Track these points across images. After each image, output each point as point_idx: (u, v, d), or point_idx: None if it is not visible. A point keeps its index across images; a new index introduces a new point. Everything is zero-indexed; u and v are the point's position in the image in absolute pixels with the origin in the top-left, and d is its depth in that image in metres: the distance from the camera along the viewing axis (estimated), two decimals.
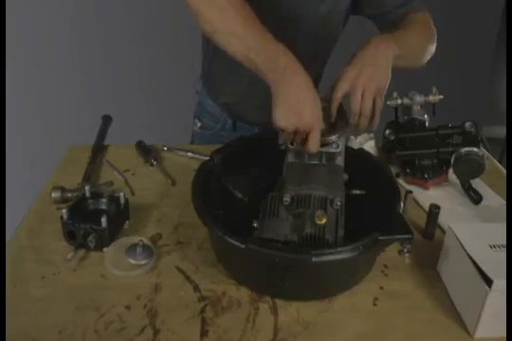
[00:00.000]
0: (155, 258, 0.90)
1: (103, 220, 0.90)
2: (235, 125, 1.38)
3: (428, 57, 1.16)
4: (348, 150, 0.96)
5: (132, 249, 0.90)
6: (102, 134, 1.30)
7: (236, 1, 0.87)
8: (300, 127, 0.85)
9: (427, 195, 1.12)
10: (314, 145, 0.87)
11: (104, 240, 0.91)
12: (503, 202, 1.10)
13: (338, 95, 0.92)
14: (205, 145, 1.31)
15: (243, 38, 0.86)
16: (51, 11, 2.12)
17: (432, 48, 1.16)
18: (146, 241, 0.92)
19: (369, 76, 0.92)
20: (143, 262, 0.89)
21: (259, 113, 1.20)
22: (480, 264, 0.76)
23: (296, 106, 0.85)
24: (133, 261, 0.89)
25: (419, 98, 1.19)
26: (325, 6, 1.15)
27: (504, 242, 0.81)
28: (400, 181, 1.16)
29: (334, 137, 0.90)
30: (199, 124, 1.44)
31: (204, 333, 0.77)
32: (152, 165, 1.20)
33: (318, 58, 1.28)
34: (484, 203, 1.09)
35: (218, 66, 1.27)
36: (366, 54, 0.95)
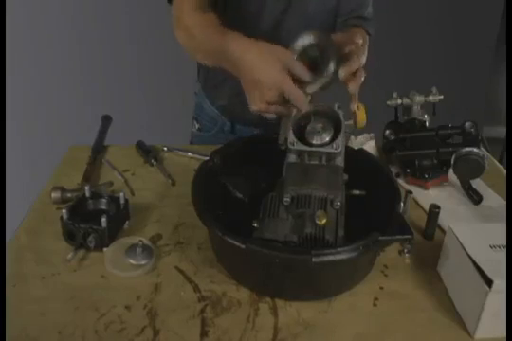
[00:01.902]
0: (155, 258, 0.90)
1: (103, 220, 0.90)
2: (233, 127, 1.38)
3: None
4: (348, 150, 0.96)
5: (132, 249, 0.90)
6: (102, 134, 1.30)
7: (201, 20, 0.95)
8: (268, 98, 0.83)
9: (427, 195, 1.12)
10: (299, 102, 0.83)
11: (104, 240, 0.91)
12: (503, 202, 1.10)
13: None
14: (205, 145, 1.31)
15: (203, 50, 0.95)
16: (51, 11, 2.12)
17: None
18: (146, 241, 0.92)
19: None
20: (143, 262, 0.89)
21: (257, 115, 1.21)
22: (480, 264, 0.76)
23: (253, 82, 0.84)
24: (133, 262, 0.89)
25: (419, 98, 1.19)
26: (313, 5, 1.18)
27: (504, 243, 0.81)
28: (400, 181, 1.16)
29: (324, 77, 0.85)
30: (197, 126, 1.44)
31: (204, 334, 0.77)
32: (152, 165, 1.20)
33: None
34: (484, 203, 1.09)
35: (215, 70, 1.27)
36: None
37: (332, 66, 0.85)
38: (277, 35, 1.22)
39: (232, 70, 0.89)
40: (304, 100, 0.85)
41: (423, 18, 2.46)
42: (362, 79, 0.91)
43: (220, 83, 1.30)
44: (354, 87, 0.89)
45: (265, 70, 0.83)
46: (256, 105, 0.86)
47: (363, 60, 0.94)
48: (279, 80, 0.82)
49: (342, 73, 0.87)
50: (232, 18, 1.18)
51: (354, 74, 0.89)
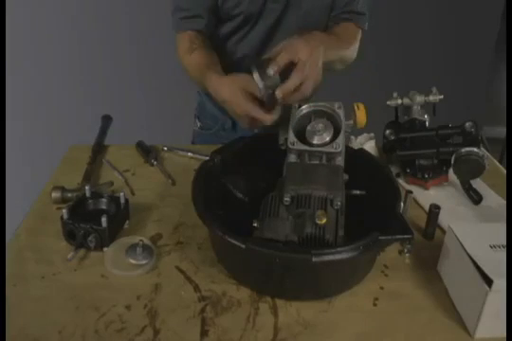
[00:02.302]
0: (155, 258, 0.90)
1: (103, 220, 0.90)
2: (235, 125, 1.38)
3: (348, 59, 1.27)
4: (348, 150, 0.96)
5: (132, 249, 0.90)
6: (102, 134, 1.30)
7: (190, 61, 1.17)
8: (245, 121, 1.01)
9: (427, 195, 1.12)
10: (262, 119, 0.97)
11: (104, 240, 0.91)
12: (503, 202, 1.10)
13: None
14: (205, 145, 1.31)
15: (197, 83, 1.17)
16: (51, 11, 2.12)
17: (347, 58, 1.26)
18: (146, 240, 0.92)
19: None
20: (143, 262, 0.89)
21: None
22: (480, 264, 0.76)
23: (230, 110, 1.03)
24: (133, 261, 0.89)
25: (419, 98, 1.19)
26: (310, 2, 1.22)
27: (504, 242, 0.81)
28: (400, 181, 1.16)
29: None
30: (199, 124, 1.45)
31: (204, 333, 0.77)
32: (152, 165, 1.20)
33: None
34: (484, 203, 1.09)
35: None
36: (316, 36, 1.05)
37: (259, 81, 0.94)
38: (275, 34, 1.23)
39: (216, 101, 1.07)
40: (265, 118, 0.98)
41: (423, 18, 2.46)
42: (307, 92, 0.96)
43: None
44: (294, 99, 0.96)
45: (232, 102, 1.00)
46: (243, 125, 1.04)
47: (310, 72, 0.96)
48: (243, 108, 0.98)
49: (280, 94, 0.94)
50: (232, 20, 1.20)
51: (297, 88, 0.95)
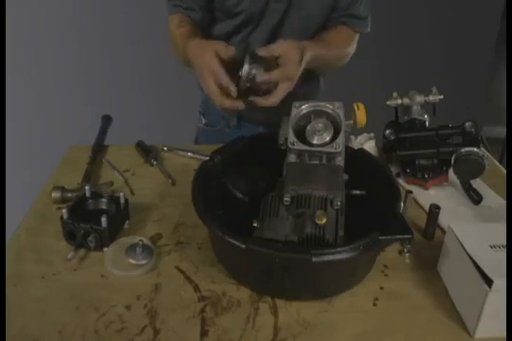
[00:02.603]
0: (156, 258, 0.90)
1: (103, 220, 0.90)
2: (240, 123, 1.39)
3: (337, 63, 1.31)
4: (348, 150, 0.96)
5: (132, 249, 0.90)
6: (102, 134, 1.30)
7: (177, 34, 1.18)
8: (211, 85, 1.01)
9: (427, 195, 1.12)
10: (226, 85, 0.98)
11: (104, 240, 0.91)
12: (503, 202, 1.10)
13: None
14: (205, 145, 1.31)
15: (181, 55, 1.16)
16: (51, 11, 2.12)
17: (333, 62, 1.30)
18: (146, 240, 0.92)
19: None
20: (143, 262, 0.89)
21: (263, 114, 1.22)
22: (480, 264, 0.76)
23: (199, 71, 1.03)
24: (133, 261, 0.89)
25: (419, 98, 1.19)
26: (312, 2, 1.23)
27: (504, 242, 0.81)
28: (400, 181, 1.16)
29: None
30: (204, 121, 1.45)
31: (204, 333, 0.77)
32: (152, 165, 1.20)
33: None
34: (484, 203, 1.09)
35: None
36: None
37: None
38: (278, 35, 1.23)
39: (194, 68, 1.07)
40: (230, 84, 0.99)
41: (423, 18, 2.46)
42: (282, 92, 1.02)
43: None
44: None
45: (203, 58, 1.01)
46: (210, 95, 1.02)
47: (292, 73, 1.02)
48: (211, 66, 0.99)
49: (260, 78, 1.00)
50: (234, 18, 1.20)
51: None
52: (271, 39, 1.24)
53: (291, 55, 1.02)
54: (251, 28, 1.25)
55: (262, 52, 1.02)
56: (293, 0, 1.21)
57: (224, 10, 1.23)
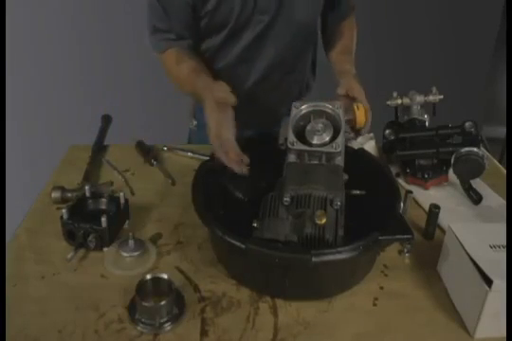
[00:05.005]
0: (156, 258, 0.91)
1: (103, 220, 0.90)
2: None
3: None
4: (348, 150, 0.96)
5: (124, 244, 0.91)
6: (102, 134, 1.30)
7: (179, 71, 1.15)
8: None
9: (427, 195, 1.12)
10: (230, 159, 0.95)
11: (104, 240, 0.91)
12: (503, 202, 1.10)
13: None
14: (205, 145, 1.31)
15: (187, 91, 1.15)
16: (51, 11, 2.12)
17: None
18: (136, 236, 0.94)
19: None
20: (135, 254, 0.89)
21: (258, 121, 1.22)
22: (480, 264, 0.76)
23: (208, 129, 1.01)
24: (125, 254, 0.90)
25: (419, 98, 1.19)
26: (300, 12, 1.20)
27: (504, 243, 0.81)
28: (400, 181, 1.16)
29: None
30: (195, 123, 1.44)
31: (204, 334, 0.77)
32: (152, 165, 1.20)
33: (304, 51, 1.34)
34: (484, 203, 1.09)
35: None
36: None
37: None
38: (264, 42, 1.21)
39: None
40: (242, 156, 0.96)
41: (423, 18, 2.46)
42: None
43: None
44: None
45: (219, 134, 0.98)
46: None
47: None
48: (229, 142, 0.97)
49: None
50: (218, 34, 1.18)
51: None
52: (256, 46, 1.21)
53: (356, 88, 1.08)
54: (235, 40, 1.21)
55: (341, 91, 1.08)
56: (280, 10, 1.16)
57: (210, 26, 1.17)
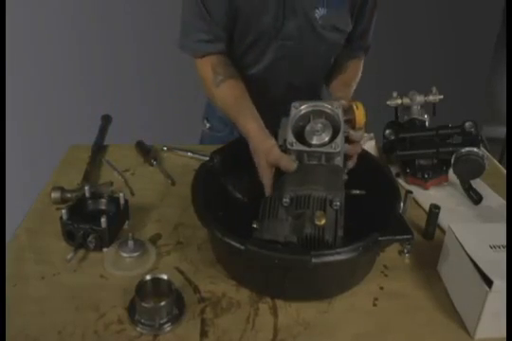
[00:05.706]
0: (155, 258, 0.91)
1: (103, 220, 0.90)
2: None
3: None
4: None
5: (124, 244, 0.91)
6: (102, 134, 1.30)
7: (219, 96, 1.11)
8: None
9: (427, 195, 1.12)
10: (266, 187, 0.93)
11: (104, 240, 0.91)
12: (503, 202, 1.10)
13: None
14: (205, 145, 1.31)
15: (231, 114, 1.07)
16: (51, 11, 2.12)
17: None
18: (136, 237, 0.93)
19: None
20: (135, 254, 0.89)
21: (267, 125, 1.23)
22: (480, 264, 0.76)
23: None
24: (125, 254, 0.90)
25: (419, 98, 1.19)
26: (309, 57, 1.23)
27: (504, 243, 0.81)
28: (400, 181, 1.16)
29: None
30: (208, 125, 1.43)
31: (204, 334, 0.77)
32: (152, 165, 1.20)
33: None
34: (484, 203, 1.09)
35: None
36: None
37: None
38: (267, 78, 1.24)
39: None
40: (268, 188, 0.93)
41: (423, 18, 2.46)
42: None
43: None
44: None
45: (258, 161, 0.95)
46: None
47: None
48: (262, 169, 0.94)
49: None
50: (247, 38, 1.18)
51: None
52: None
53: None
54: (264, 46, 1.19)
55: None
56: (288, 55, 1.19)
57: (243, 27, 1.15)
